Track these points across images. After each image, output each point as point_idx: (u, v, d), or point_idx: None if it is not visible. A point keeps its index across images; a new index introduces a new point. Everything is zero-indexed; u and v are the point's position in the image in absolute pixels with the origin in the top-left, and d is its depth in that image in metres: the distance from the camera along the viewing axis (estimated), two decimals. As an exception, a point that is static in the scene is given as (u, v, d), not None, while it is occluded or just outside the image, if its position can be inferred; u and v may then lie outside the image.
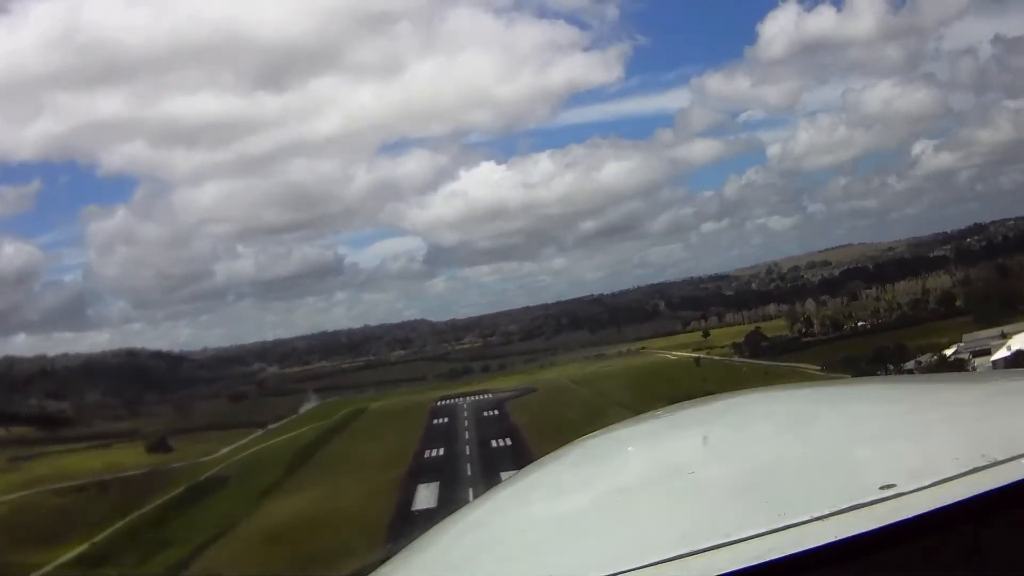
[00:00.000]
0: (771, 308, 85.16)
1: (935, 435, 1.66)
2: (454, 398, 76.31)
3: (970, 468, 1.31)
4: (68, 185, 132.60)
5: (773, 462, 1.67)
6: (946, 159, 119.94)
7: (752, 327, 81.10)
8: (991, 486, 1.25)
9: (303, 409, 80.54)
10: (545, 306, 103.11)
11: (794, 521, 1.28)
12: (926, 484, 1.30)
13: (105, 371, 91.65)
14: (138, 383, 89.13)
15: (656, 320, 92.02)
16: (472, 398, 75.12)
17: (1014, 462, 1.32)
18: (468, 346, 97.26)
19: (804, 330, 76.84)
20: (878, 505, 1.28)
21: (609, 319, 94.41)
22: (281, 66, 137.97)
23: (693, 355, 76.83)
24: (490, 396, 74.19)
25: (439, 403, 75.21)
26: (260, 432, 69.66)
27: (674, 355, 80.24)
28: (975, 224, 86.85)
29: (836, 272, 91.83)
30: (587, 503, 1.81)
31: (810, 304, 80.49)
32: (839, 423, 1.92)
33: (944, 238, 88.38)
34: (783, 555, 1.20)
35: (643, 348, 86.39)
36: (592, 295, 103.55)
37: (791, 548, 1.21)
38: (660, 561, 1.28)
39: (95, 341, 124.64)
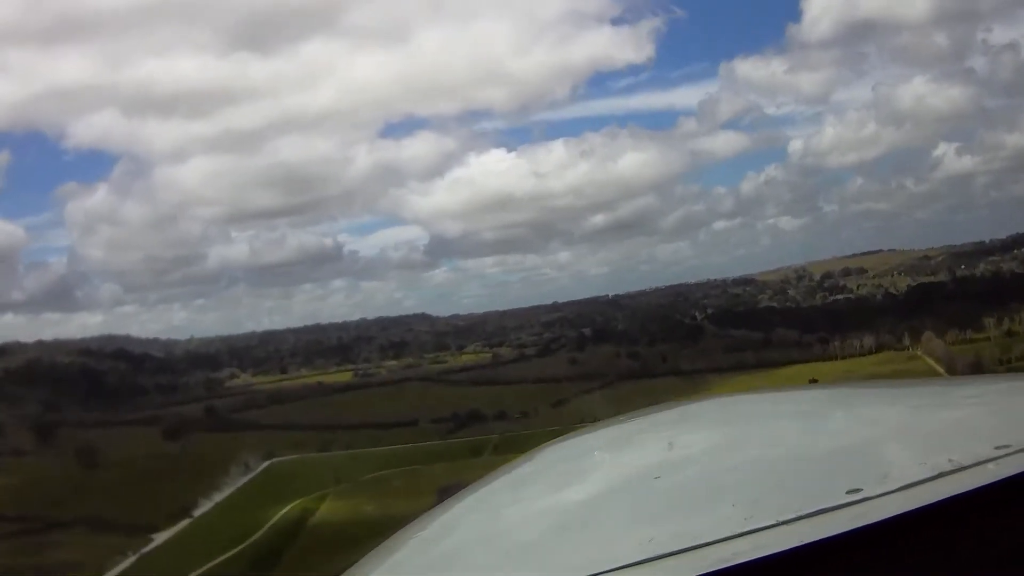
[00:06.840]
0: (867, 339, 65.23)
1: (905, 439, 1.68)
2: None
3: (937, 472, 1.31)
4: (38, 160, 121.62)
5: (739, 466, 1.70)
6: (968, 163, 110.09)
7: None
8: (957, 490, 1.25)
9: (225, 491, 61.64)
10: (556, 306, 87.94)
11: (760, 525, 1.28)
12: (893, 488, 1.30)
13: (50, 373, 79.99)
14: (85, 389, 77.94)
15: (704, 341, 74.38)
16: None
17: (980, 467, 1.32)
18: (472, 356, 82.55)
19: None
20: (844, 509, 1.27)
21: (639, 332, 78.50)
22: (275, 28, 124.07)
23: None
24: None
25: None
26: (130, 559, 51.29)
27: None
28: (1018, 234, 78.67)
29: (877, 280, 76.90)
30: (553, 508, 1.83)
31: (932, 339, 60.53)
32: (807, 428, 1.97)
33: (985, 248, 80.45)
34: (749, 559, 1.20)
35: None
36: (606, 296, 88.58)
37: (757, 552, 1.21)
38: (626, 565, 1.27)
39: (85, 323, 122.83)
